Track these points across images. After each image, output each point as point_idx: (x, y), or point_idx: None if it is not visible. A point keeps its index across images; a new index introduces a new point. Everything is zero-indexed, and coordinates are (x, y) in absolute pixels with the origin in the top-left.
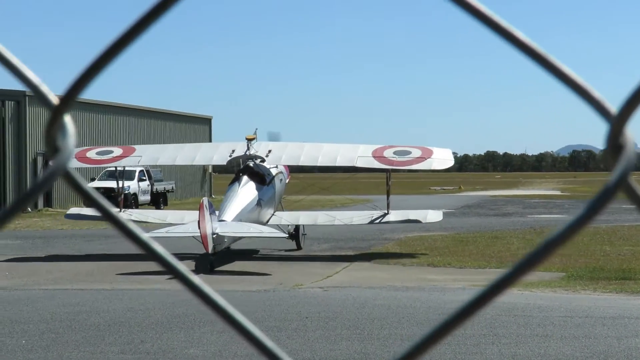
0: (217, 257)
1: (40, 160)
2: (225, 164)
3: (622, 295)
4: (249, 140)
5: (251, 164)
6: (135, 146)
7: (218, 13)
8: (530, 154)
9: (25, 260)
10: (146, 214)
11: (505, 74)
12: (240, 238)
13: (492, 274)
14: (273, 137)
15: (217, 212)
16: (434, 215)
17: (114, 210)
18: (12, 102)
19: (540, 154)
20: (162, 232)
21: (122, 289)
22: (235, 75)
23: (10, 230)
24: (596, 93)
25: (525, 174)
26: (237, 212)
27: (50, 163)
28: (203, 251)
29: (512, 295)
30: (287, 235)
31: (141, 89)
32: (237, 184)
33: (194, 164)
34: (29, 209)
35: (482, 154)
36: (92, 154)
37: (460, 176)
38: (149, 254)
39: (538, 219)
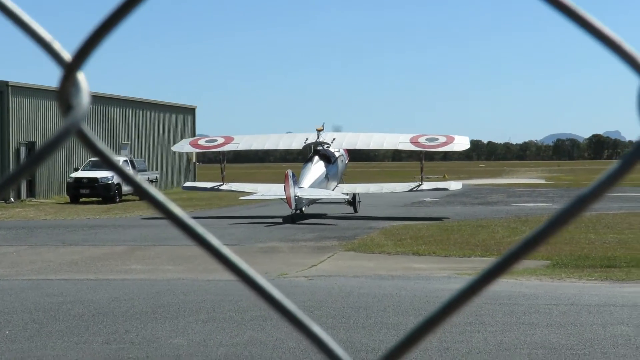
0: (298, 214)
1: (23, 150)
2: (301, 148)
3: (607, 283)
4: (319, 130)
5: (320, 148)
6: (234, 136)
7: (203, 2)
8: (514, 143)
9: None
10: (243, 186)
11: (490, 62)
12: (315, 200)
13: (477, 263)
14: (337, 129)
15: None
16: (455, 185)
17: (129, 170)
18: None
19: (525, 142)
20: (258, 195)
21: (106, 278)
22: (220, 65)
23: None
24: (627, 46)
25: (509, 163)
26: (311, 182)
27: (64, 121)
28: (286, 213)
29: (497, 284)
30: (346, 202)
31: (124, 78)
32: (310, 162)
33: (278, 148)
34: (12, 199)
35: None
36: (202, 142)
37: (444, 165)
38: (167, 216)
39: (523, 207)
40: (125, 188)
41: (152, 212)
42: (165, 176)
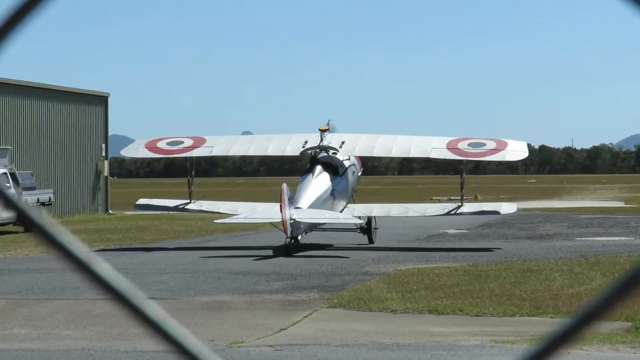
0: (294, 244)
1: None
2: (298, 154)
3: None
4: (322, 131)
5: (324, 155)
6: (206, 137)
7: None
8: (578, 148)
9: None
10: (218, 205)
11: (544, 43)
12: (316, 225)
13: (524, 325)
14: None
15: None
16: (508, 208)
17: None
18: None
19: (594, 147)
20: (241, 218)
21: None
22: (145, 39)
23: None
24: None
25: (571, 177)
26: (311, 201)
27: None
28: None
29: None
30: (358, 228)
31: (15, 59)
32: (310, 174)
33: (267, 154)
34: None
35: None
36: (162, 144)
37: (476, 180)
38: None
39: (592, 242)
40: (4, 215)
41: (43, 249)
42: (64, 196)
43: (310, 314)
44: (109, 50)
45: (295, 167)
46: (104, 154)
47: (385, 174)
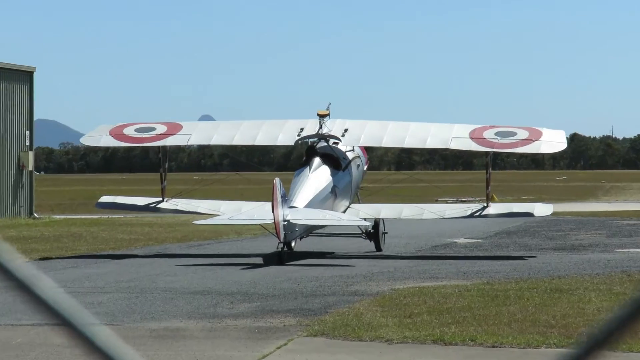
0: (288, 249)
1: None
2: (293, 144)
3: None
4: (321, 116)
5: (324, 145)
6: (182, 123)
7: None
8: (619, 138)
9: None
10: (195, 204)
11: (573, 20)
12: (315, 227)
13: (552, 358)
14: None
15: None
16: (543, 209)
17: None
18: None
19: (639, 136)
20: (224, 219)
21: None
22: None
23: None
24: None
25: (611, 174)
26: (308, 200)
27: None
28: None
29: None
30: (364, 232)
31: None
32: (307, 168)
33: (255, 144)
34: None
35: None
36: (130, 130)
37: (493, 177)
38: None
39: (636, 255)
40: None
41: None
42: None
43: (285, 344)
44: (36, 14)
45: (265, 160)
46: (27, 143)
47: (379, 169)
